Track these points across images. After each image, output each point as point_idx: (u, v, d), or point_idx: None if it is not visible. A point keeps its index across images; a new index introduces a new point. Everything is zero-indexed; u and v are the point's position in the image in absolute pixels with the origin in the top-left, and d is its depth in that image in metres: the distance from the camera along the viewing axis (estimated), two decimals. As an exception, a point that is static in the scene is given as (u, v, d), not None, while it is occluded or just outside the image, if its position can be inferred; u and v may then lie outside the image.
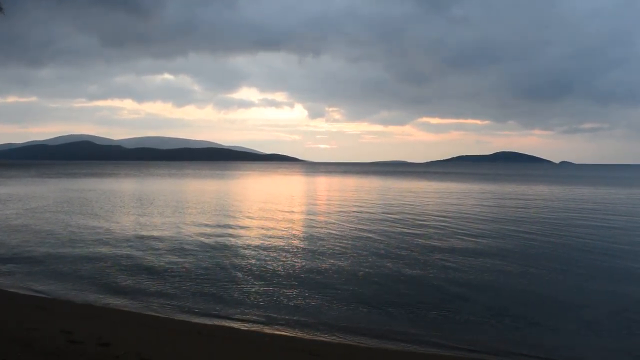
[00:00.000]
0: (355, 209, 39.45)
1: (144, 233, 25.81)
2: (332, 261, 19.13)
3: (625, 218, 35.00)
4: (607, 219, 33.89)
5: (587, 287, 15.96)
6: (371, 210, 38.04)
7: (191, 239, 24.11)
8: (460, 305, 13.84)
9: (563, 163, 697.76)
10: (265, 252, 20.76)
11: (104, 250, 21.20)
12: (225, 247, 21.85)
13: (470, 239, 24.88)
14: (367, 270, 17.74)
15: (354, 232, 26.63)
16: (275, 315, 12.86)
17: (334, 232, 26.62)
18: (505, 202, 48.33)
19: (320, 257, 19.83)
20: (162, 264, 18.55)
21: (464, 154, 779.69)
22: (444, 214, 35.84)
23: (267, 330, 11.85)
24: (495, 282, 16.41)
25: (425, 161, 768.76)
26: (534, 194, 62.21)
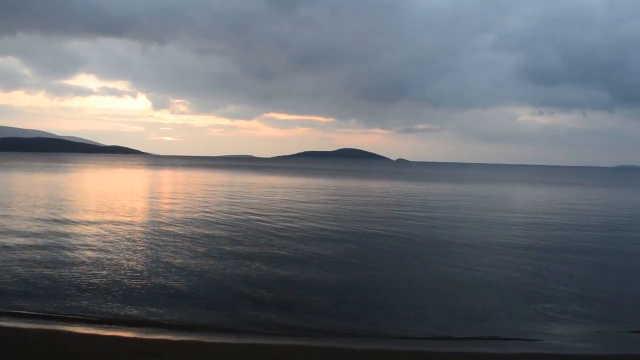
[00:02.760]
0: (198, 204, 38.61)
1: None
2: (168, 260, 18.42)
3: (447, 211, 38.42)
4: (431, 213, 36.94)
5: (417, 274, 17.19)
6: (215, 207, 37.48)
7: (16, 236, 21.85)
8: (300, 295, 14.11)
9: (399, 160, 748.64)
10: (97, 252, 19.45)
11: None
12: (52, 246, 20.08)
13: (308, 233, 25.57)
14: (203, 266, 17.41)
15: (194, 228, 25.87)
16: (110, 317, 12.07)
17: (173, 229, 25.74)
18: (343, 198, 50.48)
19: (158, 255, 19.06)
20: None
21: (310, 150, 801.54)
22: (288, 209, 36.45)
23: (104, 332, 11.08)
24: (334, 273, 17.02)
25: (272, 156, 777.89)
26: (372, 188, 65.91)
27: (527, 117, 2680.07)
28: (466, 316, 12.97)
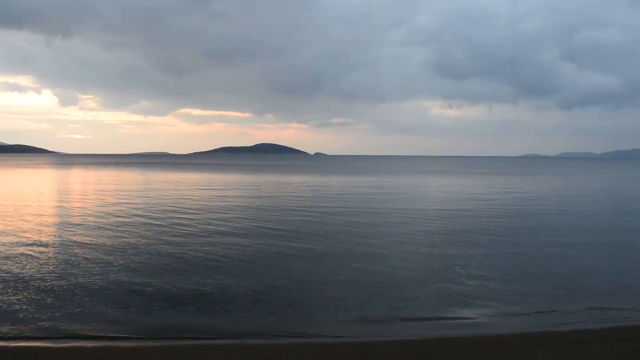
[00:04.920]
0: (108, 206, 37.21)
1: None
2: (75, 269, 17.74)
3: (359, 203, 39.34)
4: (347, 205, 37.71)
5: (337, 268, 17.53)
6: (124, 207, 36.28)
7: None
8: (218, 295, 14.02)
9: (317, 154, 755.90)
10: None
11: None
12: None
13: (228, 229, 25.42)
14: (117, 271, 16.88)
15: (104, 233, 24.47)
16: (17, 332, 11.46)
17: (81, 235, 24.68)
18: (262, 194, 50.48)
19: (64, 265, 18.25)
20: None
21: (227, 145, 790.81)
22: (202, 206, 35.96)
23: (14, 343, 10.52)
24: (252, 268, 17.04)
25: (188, 152, 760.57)
26: (291, 182, 66.20)
27: (438, 110, 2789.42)
28: (385, 305, 13.40)
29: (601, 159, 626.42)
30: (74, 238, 22.09)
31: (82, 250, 19.40)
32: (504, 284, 15.58)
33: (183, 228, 25.13)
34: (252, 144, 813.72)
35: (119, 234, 23.34)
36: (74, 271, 16.19)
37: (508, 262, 18.62)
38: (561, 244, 22.45)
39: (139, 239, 22.07)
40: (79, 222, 26.83)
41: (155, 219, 28.31)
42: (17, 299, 13.26)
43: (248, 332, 11.46)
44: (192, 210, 32.34)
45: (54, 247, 20.04)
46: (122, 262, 17.48)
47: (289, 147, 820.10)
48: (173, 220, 27.67)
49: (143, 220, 27.83)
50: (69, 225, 25.84)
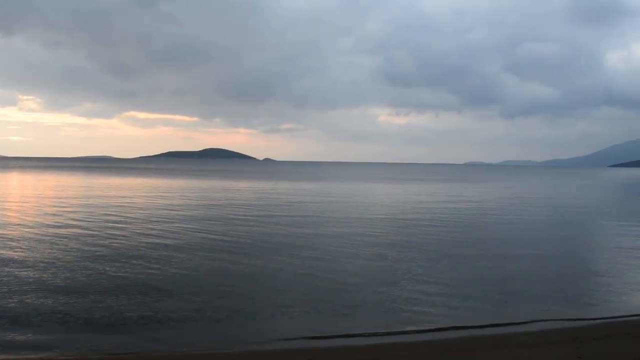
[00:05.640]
0: (45, 214, 35.83)
1: None
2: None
3: (300, 210, 39.39)
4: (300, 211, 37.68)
5: (283, 273, 17.42)
6: (65, 217, 35.04)
7: None
8: (157, 306, 13.68)
9: (266, 159, 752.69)
10: None
11: None
12: None
13: (164, 240, 24.90)
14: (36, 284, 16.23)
15: (35, 244, 23.05)
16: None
17: (10, 244, 23.56)
18: (208, 201, 49.86)
19: None
20: None
21: (173, 150, 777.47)
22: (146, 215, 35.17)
23: None
24: (194, 277, 16.74)
25: (134, 157, 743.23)
26: (237, 189, 65.59)
27: (386, 117, 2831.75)
28: (330, 312, 13.38)
29: (541, 167, 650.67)
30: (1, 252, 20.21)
31: (7, 268, 17.47)
32: (446, 288, 15.86)
33: (122, 240, 23.39)
34: (200, 149, 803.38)
35: (52, 248, 21.21)
36: None
37: (450, 267, 18.98)
38: (502, 250, 23.13)
39: (74, 254, 20.02)
40: (7, 234, 24.78)
41: (93, 230, 26.37)
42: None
43: (191, 343, 11.19)
44: (133, 220, 30.85)
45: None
46: (53, 281, 15.81)
47: (238, 153, 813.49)
48: (111, 232, 25.83)
49: (80, 231, 25.76)
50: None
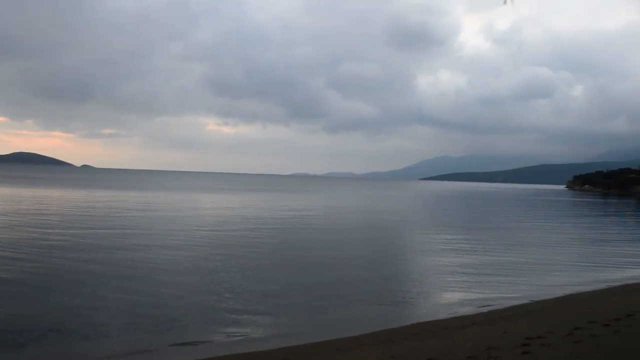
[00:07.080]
0: None
1: None
2: None
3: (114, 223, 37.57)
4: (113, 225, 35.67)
5: (98, 289, 16.28)
6: None
7: None
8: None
9: (84, 166, 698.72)
10: None
11: None
12: None
13: None
14: None
15: None
16: None
17: None
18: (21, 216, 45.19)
19: None
20: None
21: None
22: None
23: None
24: None
25: None
26: (45, 196, 60.21)
27: (214, 126, 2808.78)
28: (152, 326, 12.79)
29: (361, 179, 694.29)
30: None
31: None
32: (270, 298, 16.10)
33: None
34: (9, 153, 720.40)
35: None
36: None
37: (267, 277, 19.22)
38: (324, 257, 24.15)
39: None
40: None
41: None
42: None
43: None
44: None
45: None
46: None
47: (52, 158, 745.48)
48: None
49: None
50: None
